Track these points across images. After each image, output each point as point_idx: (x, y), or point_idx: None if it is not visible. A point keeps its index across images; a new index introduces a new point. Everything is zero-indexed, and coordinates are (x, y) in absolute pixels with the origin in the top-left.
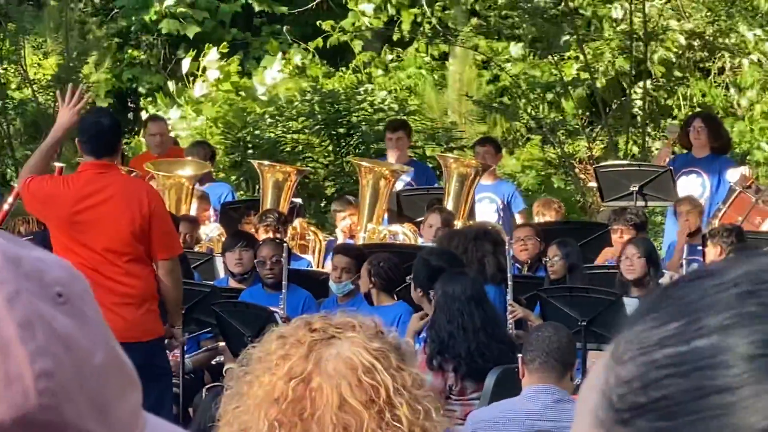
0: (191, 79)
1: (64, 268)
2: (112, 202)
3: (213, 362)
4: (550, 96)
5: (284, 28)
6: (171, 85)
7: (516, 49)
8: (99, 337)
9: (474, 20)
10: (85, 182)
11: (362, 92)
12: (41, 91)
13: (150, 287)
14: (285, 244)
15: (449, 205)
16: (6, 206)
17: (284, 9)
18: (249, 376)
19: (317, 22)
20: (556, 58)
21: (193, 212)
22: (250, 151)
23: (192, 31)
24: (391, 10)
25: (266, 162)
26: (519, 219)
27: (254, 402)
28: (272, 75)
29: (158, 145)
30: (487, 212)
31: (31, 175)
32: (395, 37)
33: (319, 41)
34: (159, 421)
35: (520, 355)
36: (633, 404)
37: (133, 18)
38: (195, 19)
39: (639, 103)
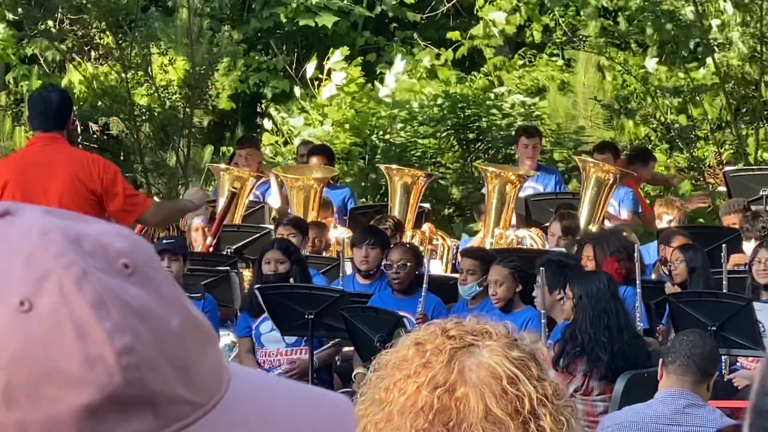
0: (316, 83)
1: (125, 237)
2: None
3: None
4: (677, 101)
5: (414, 34)
6: (297, 90)
7: (652, 63)
8: (172, 300)
9: (602, 20)
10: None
11: (492, 97)
12: (168, 96)
13: None
14: (417, 249)
15: (584, 209)
16: None
17: (417, 16)
18: (384, 382)
19: (447, 35)
20: (685, 63)
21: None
22: (378, 156)
23: (329, 20)
24: (521, 19)
25: (394, 166)
26: (626, 216)
27: (396, 409)
28: (392, 78)
29: None
30: None
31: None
32: (527, 40)
33: (450, 53)
34: (245, 370)
35: (661, 359)
36: None
37: (264, 16)
38: (330, 8)
39: None
